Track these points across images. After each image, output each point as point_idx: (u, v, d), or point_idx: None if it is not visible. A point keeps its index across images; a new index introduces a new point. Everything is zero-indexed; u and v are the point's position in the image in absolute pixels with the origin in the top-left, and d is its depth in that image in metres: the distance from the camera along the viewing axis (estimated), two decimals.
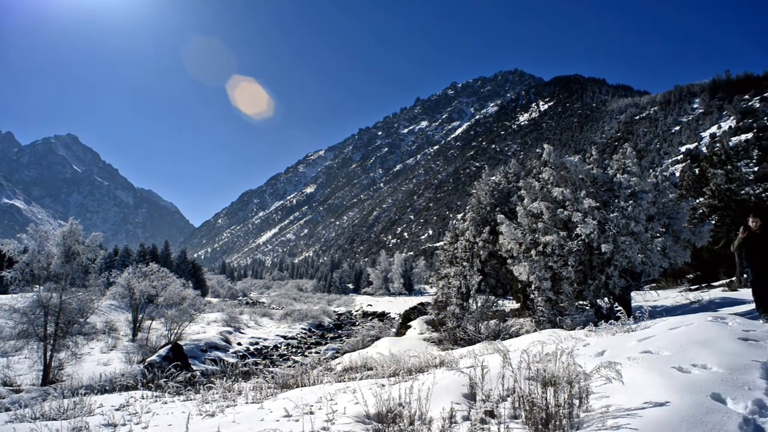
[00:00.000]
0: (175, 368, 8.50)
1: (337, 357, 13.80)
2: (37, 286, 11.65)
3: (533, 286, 9.27)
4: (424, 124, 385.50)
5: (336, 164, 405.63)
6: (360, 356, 10.39)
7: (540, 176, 10.09)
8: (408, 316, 17.78)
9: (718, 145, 24.78)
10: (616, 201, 8.72)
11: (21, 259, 12.02)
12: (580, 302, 9.12)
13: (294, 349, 18.27)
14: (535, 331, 8.98)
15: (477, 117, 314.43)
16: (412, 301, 34.81)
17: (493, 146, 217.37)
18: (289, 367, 11.84)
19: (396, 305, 37.50)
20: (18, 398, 8.10)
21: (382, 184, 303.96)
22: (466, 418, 3.15)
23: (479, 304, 11.83)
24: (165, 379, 7.04)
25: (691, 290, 12.76)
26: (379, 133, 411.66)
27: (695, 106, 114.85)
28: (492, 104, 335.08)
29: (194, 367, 13.03)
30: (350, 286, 75.04)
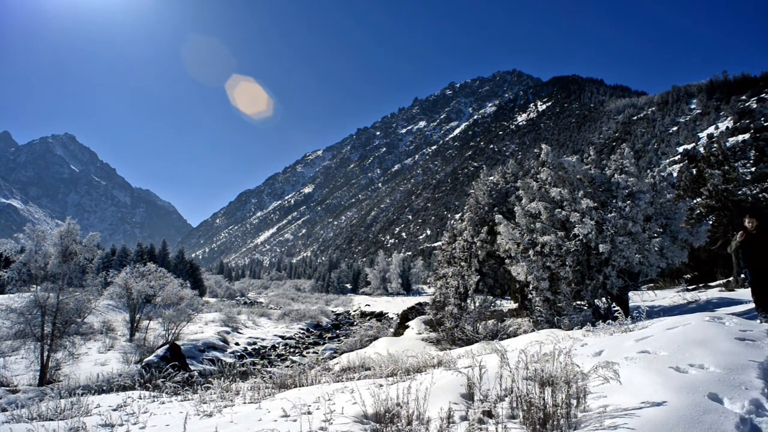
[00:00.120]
0: (172, 368, 8.46)
1: (335, 357, 13.79)
2: (34, 286, 11.63)
3: (531, 286, 9.28)
4: (422, 124, 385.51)
5: (334, 164, 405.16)
6: (358, 356, 10.39)
7: (538, 176, 10.10)
8: (406, 316, 17.76)
9: (715, 145, 24.87)
10: (614, 201, 8.74)
11: (18, 258, 11.99)
12: (578, 302, 9.14)
13: (292, 349, 18.25)
14: (533, 331, 8.99)
15: (475, 117, 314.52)
16: (410, 301, 34.82)
17: (491, 146, 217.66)
18: (287, 367, 11.81)
19: (394, 305, 37.53)
20: (15, 398, 8.07)
21: (380, 184, 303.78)
22: (464, 418, 3.15)
23: (477, 304, 11.84)
24: (162, 379, 7.01)
25: (688, 290, 12.81)
26: (378, 133, 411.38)
27: (693, 106, 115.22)
28: (490, 104, 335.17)
29: (192, 367, 13.01)
30: (348, 286, 75.00)
